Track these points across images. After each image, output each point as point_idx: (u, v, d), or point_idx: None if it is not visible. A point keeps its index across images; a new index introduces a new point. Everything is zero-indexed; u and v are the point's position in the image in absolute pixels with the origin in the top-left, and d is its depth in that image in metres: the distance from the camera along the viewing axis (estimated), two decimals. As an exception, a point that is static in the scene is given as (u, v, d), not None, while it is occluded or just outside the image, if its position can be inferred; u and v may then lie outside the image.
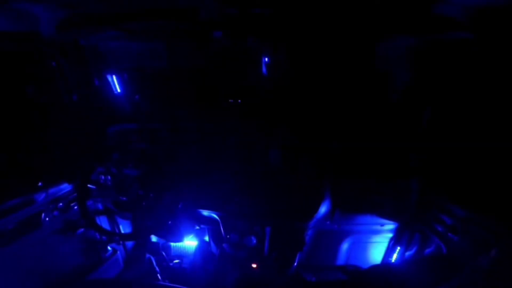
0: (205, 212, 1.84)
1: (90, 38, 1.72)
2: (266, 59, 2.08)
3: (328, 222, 1.93)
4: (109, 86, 2.22)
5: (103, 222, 2.34)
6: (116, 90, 2.28)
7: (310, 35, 1.70)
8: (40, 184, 1.79)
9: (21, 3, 1.29)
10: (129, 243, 2.58)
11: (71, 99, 1.97)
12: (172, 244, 2.60)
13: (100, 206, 2.28)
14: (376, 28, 1.48)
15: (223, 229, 1.85)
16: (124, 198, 1.60)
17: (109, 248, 2.28)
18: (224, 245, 1.89)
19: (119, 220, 2.43)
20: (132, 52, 2.06)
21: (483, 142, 1.51)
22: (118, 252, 2.38)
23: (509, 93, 1.38)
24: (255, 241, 1.81)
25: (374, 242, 2.17)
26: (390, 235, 2.09)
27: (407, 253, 2.01)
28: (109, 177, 1.85)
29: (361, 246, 2.20)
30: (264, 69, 2.09)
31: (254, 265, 1.88)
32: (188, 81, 2.29)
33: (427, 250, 1.87)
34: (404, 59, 1.84)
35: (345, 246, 2.18)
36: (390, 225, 2.01)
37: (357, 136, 2.01)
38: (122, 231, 2.44)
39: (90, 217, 1.63)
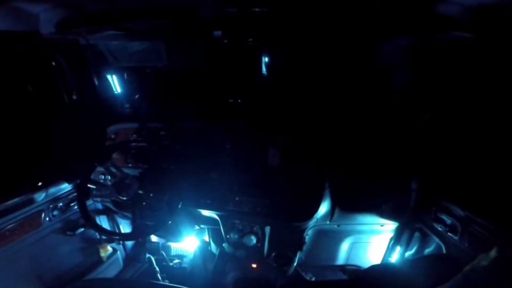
0: (205, 212, 1.83)
1: (90, 38, 1.72)
2: (266, 59, 2.08)
3: (327, 222, 1.93)
4: (109, 86, 2.22)
5: (103, 222, 2.35)
6: (116, 90, 2.28)
7: (310, 35, 1.70)
8: (40, 184, 1.79)
9: (21, 2, 1.29)
10: (129, 243, 2.58)
11: (71, 99, 1.97)
12: (172, 244, 2.60)
13: (100, 206, 2.28)
14: (377, 29, 1.48)
15: (223, 229, 1.85)
16: (124, 198, 1.59)
17: (109, 248, 2.28)
18: (224, 244, 1.89)
19: (119, 220, 2.43)
20: (132, 52, 2.06)
21: (483, 142, 1.51)
22: (118, 252, 2.38)
23: (509, 94, 1.38)
24: (254, 241, 1.81)
25: (374, 242, 2.17)
26: (390, 235, 2.08)
27: (407, 253, 2.01)
28: (109, 176, 1.85)
29: (361, 246, 2.20)
30: (264, 69, 2.09)
31: (254, 265, 1.88)
32: (188, 81, 2.29)
33: (427, 250, 1.87)
34: (404, 59, 1.84)
35: (345, 245, 2.18)
36: (390, 225, 2.01)
37: (356, 135, 2.01)
38: (122, 231, 2.45)
39: (90, 217, 1.63)
